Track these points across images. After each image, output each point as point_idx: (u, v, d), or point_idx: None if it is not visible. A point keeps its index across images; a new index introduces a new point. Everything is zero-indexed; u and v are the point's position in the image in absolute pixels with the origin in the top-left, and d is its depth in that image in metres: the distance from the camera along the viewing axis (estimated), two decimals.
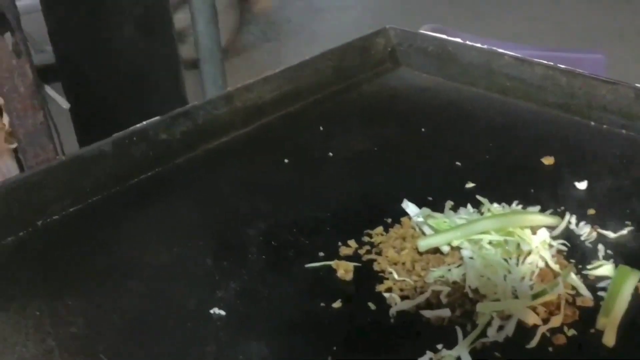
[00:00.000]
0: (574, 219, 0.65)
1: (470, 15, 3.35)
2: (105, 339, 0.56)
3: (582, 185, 0.71)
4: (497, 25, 3.20)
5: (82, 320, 0.58)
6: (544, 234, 0.60)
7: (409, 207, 0.67)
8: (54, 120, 0.87)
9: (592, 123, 0.84)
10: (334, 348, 0.54)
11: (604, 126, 0.83)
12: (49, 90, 0.88)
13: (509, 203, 0.68)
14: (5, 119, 0.89)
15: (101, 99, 1.19)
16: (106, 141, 0.76)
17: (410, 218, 0.66)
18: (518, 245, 0.59)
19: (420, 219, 0.63)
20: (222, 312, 0.58)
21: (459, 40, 0.97)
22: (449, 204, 0.69)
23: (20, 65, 0.83)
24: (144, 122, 0.79)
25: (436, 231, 0.62)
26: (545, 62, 0.88)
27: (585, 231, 0.64)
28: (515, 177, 0.74)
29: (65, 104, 0.88)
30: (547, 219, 0.63)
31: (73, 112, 1.01)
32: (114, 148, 0.77)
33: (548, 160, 0.76)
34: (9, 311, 0.60)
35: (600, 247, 0.62)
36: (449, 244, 0.60)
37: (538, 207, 0.66)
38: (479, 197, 0.68)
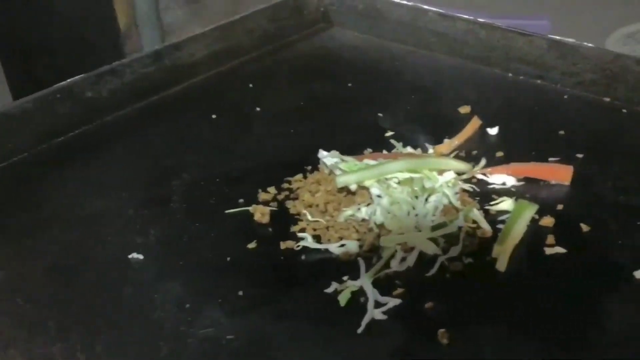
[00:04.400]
0: (483, 162, 0.68)
1: None
2: (24, 285, 0.57)
3: (493, 130, 0.75)
4: None
5: (2, 268, 0.59)
6: (449, 175, 0.63)
7: (324, 155, 0.69)
8: None
9: (510, 75, 0.87)
10: (246, 284, 0.56)
11: (521, 77, 0.86)
12: None
13: (424, 149, 0.71)
14: None
15: (36, 61, 1.17)
16: (28, 98, 0.76)
17: (327, 165, 0.68)
18: (423, 185, 0.61)
19: (333, 162, 0.66)
20: (141, 257, 0.60)
21: None
22: (369, 151, 0.72)
23: None
24: (69, 80, 0.79)
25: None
26: (466, 16, 0.90)
27: (492, 172, 0.67)
28: (432, 126, 0.77)
29: None
30: (457, 164, 0.66)
31: (7, 70, 1.00)
32: (38, 105, 0.77)
33: (464, 110, 0.79)
34: None
35: (505, 185, 0.66)
36: (360, 183, 0.62)
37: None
38: (392, 141, 0.70)
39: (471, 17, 0.90)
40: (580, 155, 0.70)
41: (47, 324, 0.53)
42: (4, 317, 0.54)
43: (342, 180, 0.63)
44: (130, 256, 0.60)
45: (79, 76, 0.80)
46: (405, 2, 0.96)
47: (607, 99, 0.80)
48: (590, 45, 0.81)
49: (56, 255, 0.61)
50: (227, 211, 0.65)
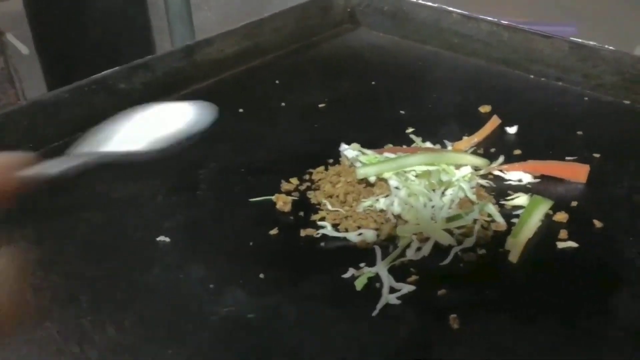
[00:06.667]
0: (500, 159, 0.70)
1: None
2: (59, 262, 0.61)
3: (512, 129, 0.76)
4: None
5: (37, 246, 0.63)
6: (466, 169, 0.65)
7: (345, 148, 0.71)
8: (15, 67, 0.90)
9: (532, 76, 0.89)
10: (267, 268, 0.58)
11: (542, 79, 0.88)
12: (10, 37, 0.91)
13: (443, 145, 0.73)
14: None
15: (72, 55, 1.22)
16: (65, 88, 0.80)
17: (348, 158, 0.71)
18: (440, 178, 0.63)
19: (353, 154, 0.68)
20: (167, 239, 0.63)
21: None
22: (389, 146, 0.74)
23: None
24: (103, 72, 0.83)
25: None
26: (489, 18, 0.92)
27: (509, 169, 0.68)
28: (452, 123, 0.79)
29: (24, 50, 0.91)
30: (473, 159, 0.68)
31: (42, 62, 1.03)
32: (73, 95, 0.81)
33: (485, 109, 0.81)
34: None
35: (521, 182, 0.67)
36: (379, 175, 0.65)
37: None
38: (412, 136, 0.72)
39: (494, 19, 0.91)
40: (597, 155, 0.71)
41: (80, 299, 0.56)
42: (40, 291, 0.57)
43: (362, 172, 0.65)
44: (158, 239, 0.63)
45: (113, 69, 0.84)
46: (430, 4, 0.98)
47: (627, 102, 0.81)
48: (610, 48, 0.82)
49: (89, 235, 0.65)
50: (251, 199, 0.68)
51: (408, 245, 0.59)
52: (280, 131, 0.82)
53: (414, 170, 0.64)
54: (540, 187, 0.66)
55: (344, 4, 1.08)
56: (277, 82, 0.93)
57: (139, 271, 0.59)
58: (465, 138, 0.74)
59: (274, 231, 0.63)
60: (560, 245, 0.58)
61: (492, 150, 0.73)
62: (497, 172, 0.68)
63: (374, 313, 0.53)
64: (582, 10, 3.07)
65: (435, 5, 0.98)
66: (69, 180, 0.72)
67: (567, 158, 0.71)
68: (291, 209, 0.66)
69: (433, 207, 0.61)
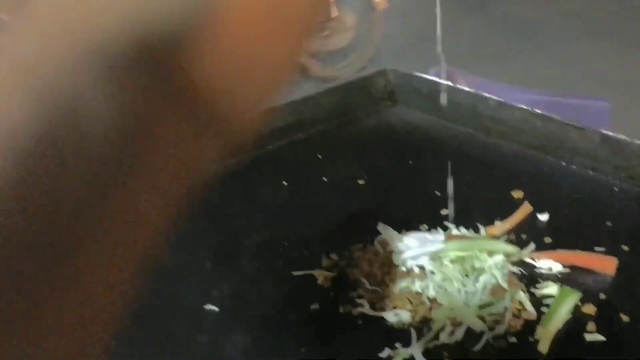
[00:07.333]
0: (531, 246, 0.74)
1: (486, 58, 3.45)
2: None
3: (543, 217, 0.80)
4: (511, 68, 3.30)
5: None
6: (499, 257, 0.69)
7: (383, 228, 0.75)
8: None
9: (563, 163, 0.93)
10: (308, 342, 0.62)
11: (573, 166, 0.91)
12: None
13: (476, 229, 0.77)
14: None
15: None
16: None
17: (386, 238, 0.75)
18: (473, 264, 0.67)
19: (391, 236, 0.72)
20: (216, 308, 0.67)
21: (449, 83, 1.06)
22: (424, 226, 0.78)
23: None
24: None
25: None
26: (524, 106, 0.97)
27: (539, 257, 0.72)
28: (485, 207, 0.83)
29: None
30: (505, 247, 0.72)
31: None
32: None
33: (517, 194, 0.85)
34: None
35: (551, 271, 0.70)
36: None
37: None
38: (446, 223, 0.77)
39: (528, 108, 0.96)
40: (625, 248, 0.74)
41: None
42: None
43: (400, 258, 0.69)
44: (206, 307, 0.67)
45: None
46: (466, 89, 1.04)
47: None
48: None
49: (140, 300, 0.69)
50: (294, 272, 0.72)
51: (442, 329, 0.62)
52: (322, 205, 0.87)
53: (448, 255, 0.68)
54: (570, 277, 0.69)
55: (384, 83, 1.14)
56: (319, 156, 0.99)
57: (188, 339, 0.63)
58: (497, 223, 0.78)
59: (314, 306, 0.67)
60: (588, 337, 0.61)
61: (523, 236, 0.76)
62: (528, 260, 0.71)
63: None
64: (615, 82, 3.13)
65: (472, 90, 1.03)
66: None
67: (596, 248, 0.74)
68: (331, 284, 0.70)
69: (466, 292, 0.65)
